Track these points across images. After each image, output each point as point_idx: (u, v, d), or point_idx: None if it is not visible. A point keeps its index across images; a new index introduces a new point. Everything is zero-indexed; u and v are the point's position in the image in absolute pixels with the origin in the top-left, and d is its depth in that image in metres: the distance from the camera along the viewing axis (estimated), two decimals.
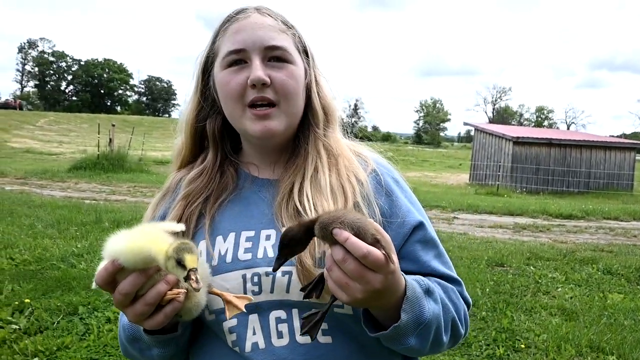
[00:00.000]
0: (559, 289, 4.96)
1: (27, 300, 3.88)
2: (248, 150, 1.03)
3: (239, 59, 0.91)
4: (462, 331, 0.92)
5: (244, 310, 0.82)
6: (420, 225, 0.95)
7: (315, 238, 0.78)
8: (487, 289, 4.77)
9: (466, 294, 0.97)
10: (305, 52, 0.99)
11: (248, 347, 0.86)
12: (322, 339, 0.86)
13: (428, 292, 0.85)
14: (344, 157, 0.98)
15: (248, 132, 0.93)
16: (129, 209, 8.48)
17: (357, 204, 0.91)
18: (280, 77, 0.91)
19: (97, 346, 3.28)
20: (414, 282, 0.83)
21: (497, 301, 4.45)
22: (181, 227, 0.84)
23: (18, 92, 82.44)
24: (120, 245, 0.76)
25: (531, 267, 5.72)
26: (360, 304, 0.77)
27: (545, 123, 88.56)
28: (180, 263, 0.72)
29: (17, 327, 3.48)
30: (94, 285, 0.78)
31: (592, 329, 3.84)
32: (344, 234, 0.70)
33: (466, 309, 0.95)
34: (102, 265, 0.76)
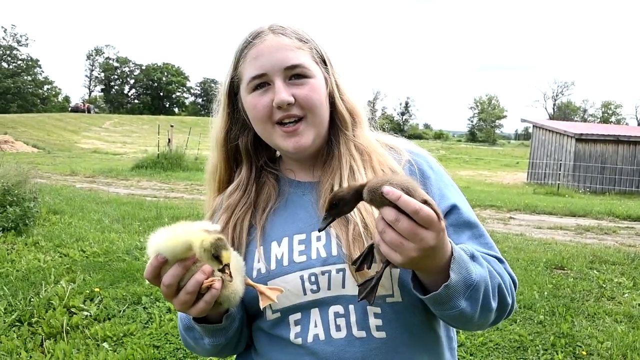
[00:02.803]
0: (626, 295, 4.66)
1: (96, 290, 4.19)
2: (285, 158, 1.10)
3: (262, 83, 0.98)
4: (510, 300, 0.93)
5: (276, 300, 0.89)
6: (453, 209, 0.98)
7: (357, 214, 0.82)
8: (545, 292, 4.58)
9: (511, 270, 0.98)
10: (323, 61, 1.03)
11: (310, 338, 0.93)
12: (376, 334, 0.91)
13: (473, 257, 0.87)
14: (377, 153, 1.02)
15: (281, 148, 1.01)
16: (186, 206, 8.88)
17: None
18: (303, 93, 0.97)
19: (159, 334, 3.49)
20: (459, 248, 0.85)
21: (556, 305, 4.26)
22: (216, 227, 0.89)
23: (86, 97, 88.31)
24: (160, 240, 0.84)
25: (594, 271, 5.40)
26: (414, 265, 0.79)
27: (613, 119, 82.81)
28: (216, 257, 0.79)
29: (88, 313, 3.77)
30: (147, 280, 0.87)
31: None
32: (395, 192, 0.72)
33: (512, 283, 0.95)
34: (149, 261, 0.84)
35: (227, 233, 1.02)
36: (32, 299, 3.92)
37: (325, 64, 1.04)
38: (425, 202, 0.74)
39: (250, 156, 1.09)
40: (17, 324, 3.58)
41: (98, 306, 3.91)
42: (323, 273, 0.93)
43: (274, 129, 0.99)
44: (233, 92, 1.05)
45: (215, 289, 0.83)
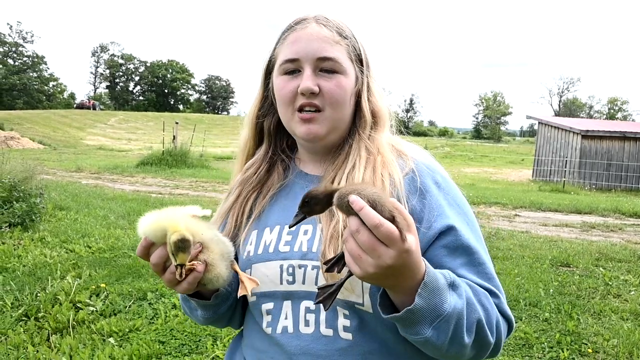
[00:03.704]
0: (632, 292, 4.63)
1: (102, 285, 4.21)
2: (299, 147, 1.12)
3: (293, 68, 0.99)
4: (491, 339, 0.86)
5: (249, 293, 0.94)
6: (449, 230, 0.91)
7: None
8: (551, 290, 4.56)
9: (506, 307, 0.92)
10: (359, 60, 1.04)
11: (279, 329, 0.95)
12: (343, 334, 0.91)
13: (453, 285, 0.82)
14: (383, 156, 1.01)
15: (295, 134, 1.04)
16: (191, 203, 8.89)
17: None
18: (328, 86, 0.98)
19: (164, 330, 3.50)
20: (437, 273, 0.81)
21: (562, 302, 4.24)
22: (205, 212, 0.94)
23: (91, 93, 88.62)
24: (146, 223, 0.90)
25: (600, 269, 5.38)
26: (373, 280, 0.77)
27: (619, 115, 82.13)
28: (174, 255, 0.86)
29: (94, 309, 3.80)
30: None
31: None
32: (359, 203, 0.72)
33: (501, 321, 0.90)
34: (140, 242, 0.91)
35: (234, 210, 1.07)
36: (38, 294, 3.95)
37: (361, 64, 1.04)
38: (393, 217, 0.72)
39: (271, 137, 1.11)
40: (24, 318, 3.61)
41: (104, 302, 3.94)
42: (300, 267, 0.94)
43: (293, 114, 1.01)
44: (269, 71, 1.08)
45: (197, 272, 0.88)
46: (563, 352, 3.34)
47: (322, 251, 0.91)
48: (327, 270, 0.84)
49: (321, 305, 0.85)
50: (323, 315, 0.92)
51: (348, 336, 0.91)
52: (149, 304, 3.97)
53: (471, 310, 0.84)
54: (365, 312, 0.91)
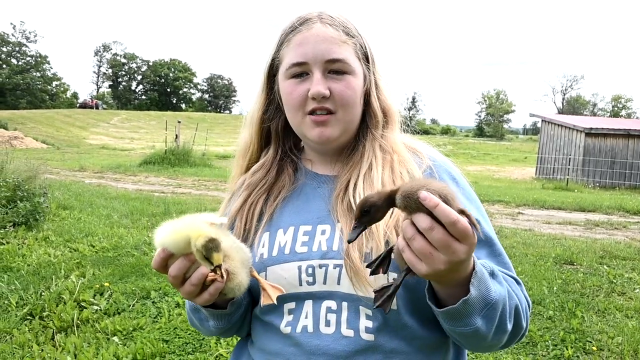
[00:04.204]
0: (637, 290, 4.62)
1: (106, 284, 4.22)
2: (307, 148, 1.11)
3: (301, 71, 0.97)
4: (524, 324, 0.90)
5: (275, 302, 0.90)
6: None
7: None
8: (555, 288, 4.54)
9: (526, 293, 0.95)
10: (366, 58, 1.02)
11: (299, 328, 0.93)
12: (364, 335, 0.89)
13: (493, 274, 0.84)
14: (399, 155, 1.01)
15: (307, 137, 1.02)
16: (194, 201, 8.92)
17: None
18: (339, 88, 0.96)
19: (168, 328, 3.51)
20: (479, 263, 0.81)
21: (566, 300, 4.23)
22: (222, 219, 0.90)
23: (94, 93, 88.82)
24: (165, 234, 0.85)
25: (605, 267, 5.36)
26: (438, 276, 0.75)
27: (623, 113, 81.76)
28: (208, 259, 0.81)
29: (98, 307, 3.81)
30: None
31: None
32: (434, 200, 0.68)
33: (527, 307, 0.93)
34: (156, 253, 0.87)
35: (242, 214, 1.04)
36: (42, 293, 3.96)
37: (368, 61, 1.03)
38: (462, 212, 0.70)
39: (279, 139, 1.10)
40: (28, 317, 3.62)
41: (108, 300, 3.95)
42: (320, 266, 0.92)
43: (304, 118, 0.99)
44: (272, 73, 1.06)
45: (219, 282, 0.85)
46: (567, 350, 3.33)
47: (346, 249, 0.89)
48: (373, 273, 0.81)
49: (343, 304, 0.84)
50: (344, 315, 0.90)
51: (370, 337, 0.89)
52: (153, 302, 3.98)
53: (510, 297, 0.87)
54: (390, 309, 0.89)
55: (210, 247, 0.81)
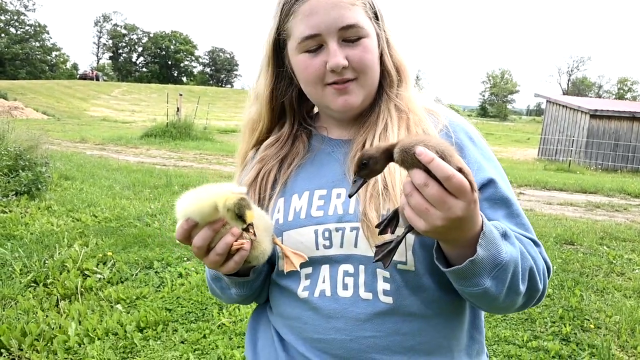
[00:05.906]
0: (636, 271, 4.65)
1: (109, 254, 4.25)
2: (323, 115, 1.08)
3: (315, 44, 0.93)
4: (540, 286, 0.88)
5: (298, 268, 0.91)
6: (489, 183, 0.92)
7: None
8: (555, 267, 4.58)
9: (546, 256, 0.93)
10: (375, 16, 0.98)
11: (317, 292, 0.93)
12: (382, 298, 0.89)
13: (505, 235, 0.83)
14: (415, 114, 0.98)
15: (330, 108, 0.98)
16: (196, 174, 8.91)
17: None
18: (357, 55, 0.93)
19: (170, 298, 3.55)
20: (489, 223, 0.80)
21: (565, 279, 4.26)
22: (242, 188, 0.88)
23: (94, 64, 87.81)
24: (188, 203, 0.84)
25: (604, 247, 5.39)
26: (437, 234, 0.75)
27: (628, 95, 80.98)
28: (240, 217, 0.81)
29: (102, 276, 3.84)
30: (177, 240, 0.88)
31: None
32: (429, 155, 0.68)
33: (545, 269, 0.91)
34: (179, 224, 0.85)
35: (255, 184, 1.02)
36: (46, 261, 3.99)
37: (377, 19, 0.99)
38: (460, 169, 0.69)
39: (294, 112, 1.08)
40: (32, 284, 3.66)
41: (111, 269, 3.98)
42: (337, 230, 0.91)
43: (324, 90, 0.96)
44: (279, 48, 1.01)
45: (244, 250, 0.85)
46: (565, 327, 3.37)
47: (363, 210, 0.88)
48: (381, 233, 0.81)
49: (360, 267, 0.83)
50: (362, 278, 0.90)
51: (388, 300, 0.89)
52: (155, 272, 4.01)
53: (524, 258, 0.85)
54: (407, 270, 0.89)
55: (243, 204, 0.80)
